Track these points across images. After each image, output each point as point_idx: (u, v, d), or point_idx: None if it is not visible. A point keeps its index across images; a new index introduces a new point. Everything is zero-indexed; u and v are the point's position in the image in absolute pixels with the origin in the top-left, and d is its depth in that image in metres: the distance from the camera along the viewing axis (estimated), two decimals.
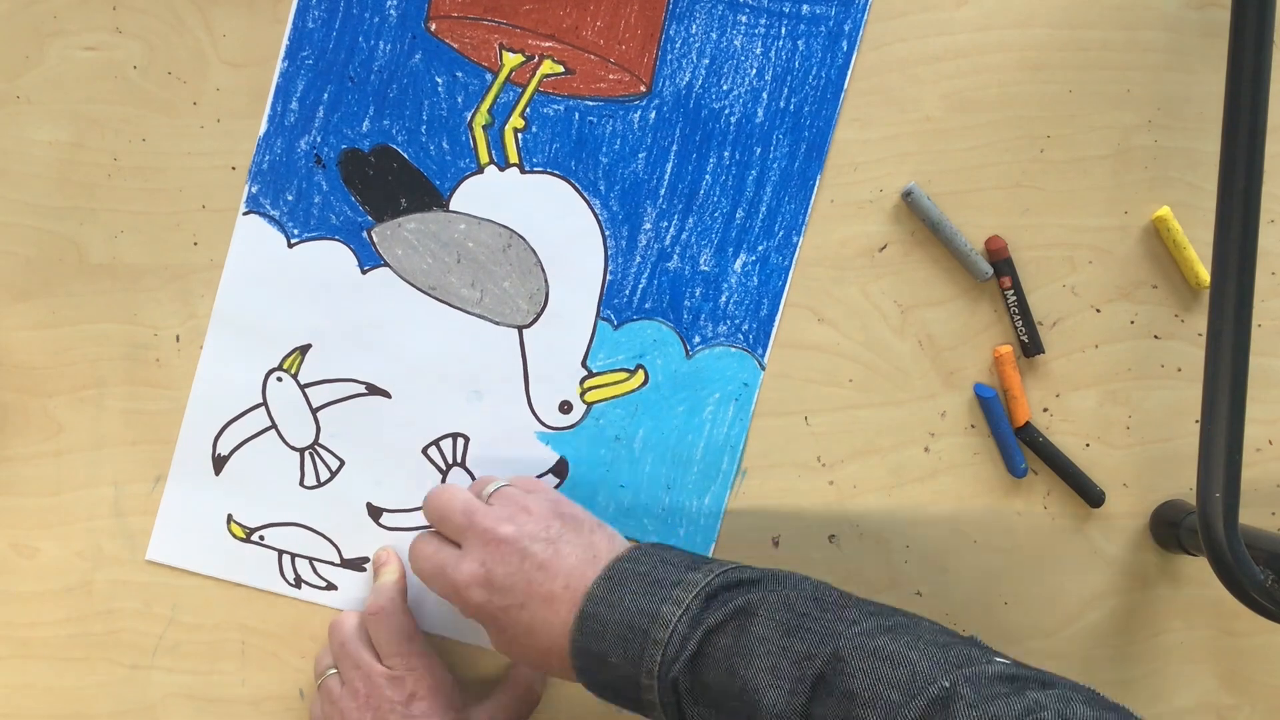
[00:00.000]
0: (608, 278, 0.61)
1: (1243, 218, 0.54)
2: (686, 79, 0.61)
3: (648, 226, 0.61)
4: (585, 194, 0.61)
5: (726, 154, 0.61)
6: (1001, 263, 0.61)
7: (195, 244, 0.61)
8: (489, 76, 0.60)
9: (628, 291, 0.62)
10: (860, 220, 0.62)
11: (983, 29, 0.61)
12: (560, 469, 0.62)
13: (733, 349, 0.62)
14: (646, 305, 0.62)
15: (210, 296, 0.61)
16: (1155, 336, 0.63)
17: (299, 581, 0.62)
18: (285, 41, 0.60)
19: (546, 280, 0.61)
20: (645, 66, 0.60)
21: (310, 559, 0.62)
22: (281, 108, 0.60)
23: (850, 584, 0.62)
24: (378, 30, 0.60)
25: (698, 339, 0.62)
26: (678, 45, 0.60)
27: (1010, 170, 0.62)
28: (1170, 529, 0.62)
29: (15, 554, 0.62)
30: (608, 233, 0.61)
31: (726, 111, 0.61)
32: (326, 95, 0.60)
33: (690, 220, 0.61)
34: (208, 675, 0.62)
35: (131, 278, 0.61)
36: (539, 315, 0.61)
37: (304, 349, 0.61)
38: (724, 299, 0.62)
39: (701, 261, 0.61)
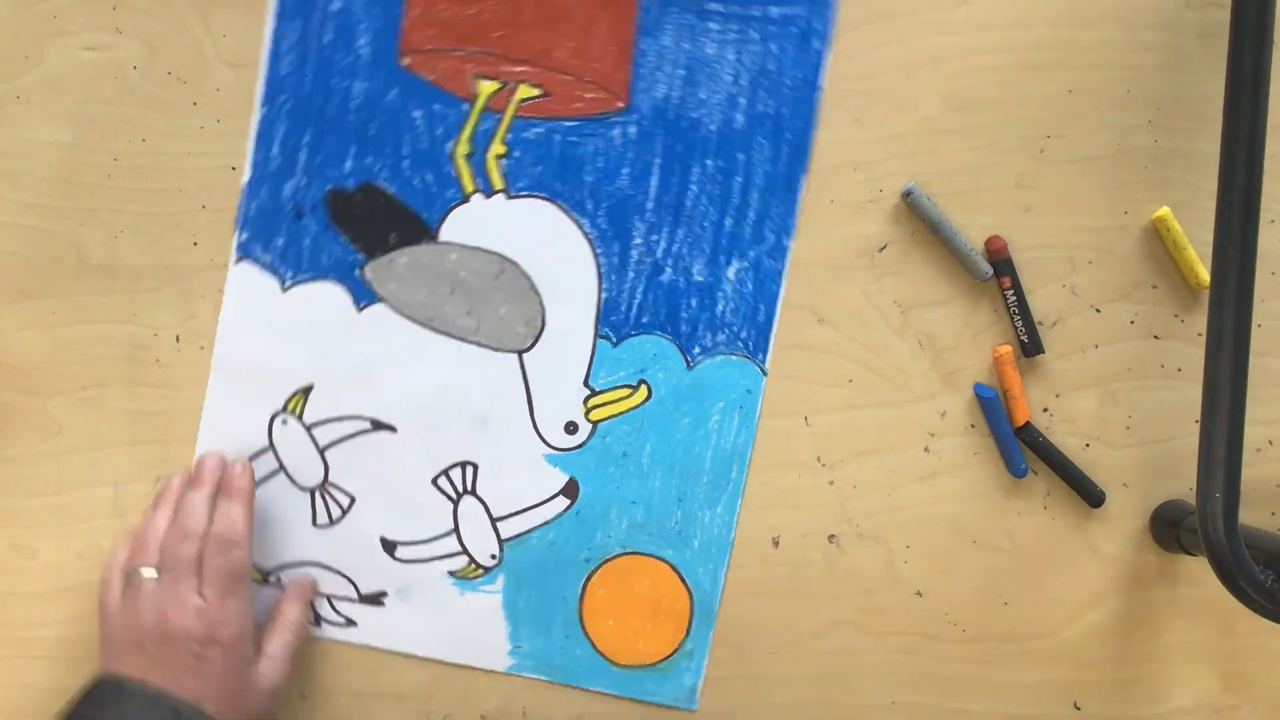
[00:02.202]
0: (603, 295, 0.61)
1: (1243, 218, 0.54)
2: (663, 91, 0.61)
3: (638, 241, 0.61)
4: (573, 214, 0.61)
5: (710, 162, 0.61)
6: (1001, 263, 0.61)
7: (195, 244, 0.61)
8: (466, 106, 0.60)
9: (624, 307, 0.61)
10: (860, 220, 0.62)
11: (983, 29, 0.61)
12: (570, 490, 0.62)
13: (734, 357, 0.62)
14: (644, 320, 0.62)
15: (210, 296, 0.61)
16: (1155, 336, 0.63)
17: (319, 620, 0.62)
18: (261, 89, 0.60)
19: (542, 303, 0.61)
20: (620, 82, 0.60)
21: (328, 597, 0.62)
22: (264, 154, 0.61)
23: (850, 584, 0.63)
24: (351, 69, 0.60)
25: (697, 349, 0.62)
26: (650, 58, 0.60)
27: (1010, 170, 0.62)
28: (1170, 529, 0.62)
29: (15, 554, 0.62)
30: (599, 250, 0.61)
31: (705, 120, 0.61)
32: (307, 138, 0.61)
33: (680, 231, 0.61)
34: None
35: (131, 278, 0.61)
36: (537, 339, 0.61)
37: (306, 390, 0.61)
38: (720, 308, 0.61)
39: (694, 272, 0.61)
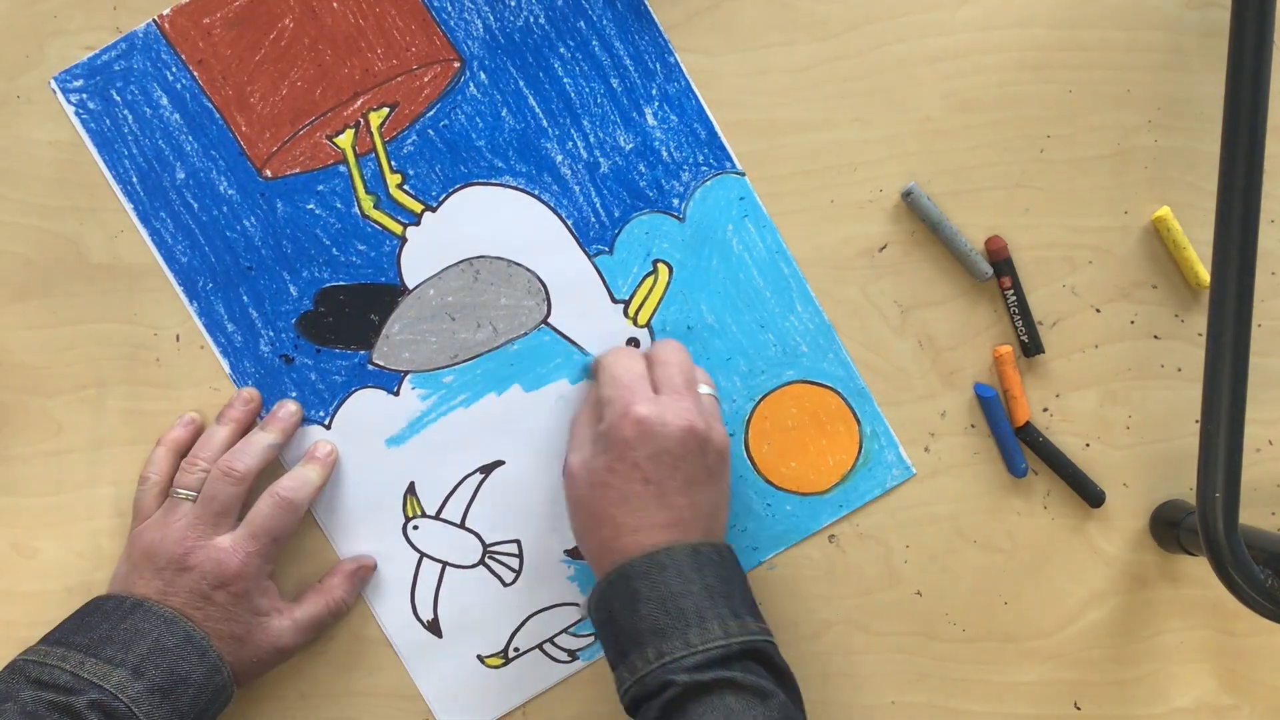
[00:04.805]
0: (568, 222, 0.62)
1: (1243, 218, 0.54)
2: (480, 25, 0.61)
3: (560, 158, 0.61)
4: (494, 180, 0.61)
5: (562, 48, 0.61)
6: (1001, 263, 0.61)
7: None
8: (342, 168, 0.61)
9: (592, 218, 0.62)
10: (860, 220, 0.62)
11: (983, 29, 0.61)
12: None
13: (707, 182, 0.62)
14: (616, 214, 0.62)
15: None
16: (1155, 336, 0.63)
17: (572, 655, 0.63)
18: (177, 286, 0.61)
19: (529, 270, 0.61)
20: (442, 46, 0.60)
21: (563, 631, 0.63)
22: (225, 338, 0.61)
23: (850, 584, 0.63)
24: (233, 215, 0.61)
25: (675, 200, 0.62)
26: (449, 9, 0.60)
27: (1010, 170, 0.62)
28: (1170, 529, 0.62)
29: (15, 554, 0.62)
30: (536, 191, 0.61)
31: (531, 20, 0.61)
32: (245, 297, 0.61)
33: (584, 122, 0.61)
34: None
35: (131, 278, 0.61)
36: (549, 300, 0.62)
37: (410, 488, 0.62)
38: (665, 154, 0.62)
39: (622, 143, 0.61)
